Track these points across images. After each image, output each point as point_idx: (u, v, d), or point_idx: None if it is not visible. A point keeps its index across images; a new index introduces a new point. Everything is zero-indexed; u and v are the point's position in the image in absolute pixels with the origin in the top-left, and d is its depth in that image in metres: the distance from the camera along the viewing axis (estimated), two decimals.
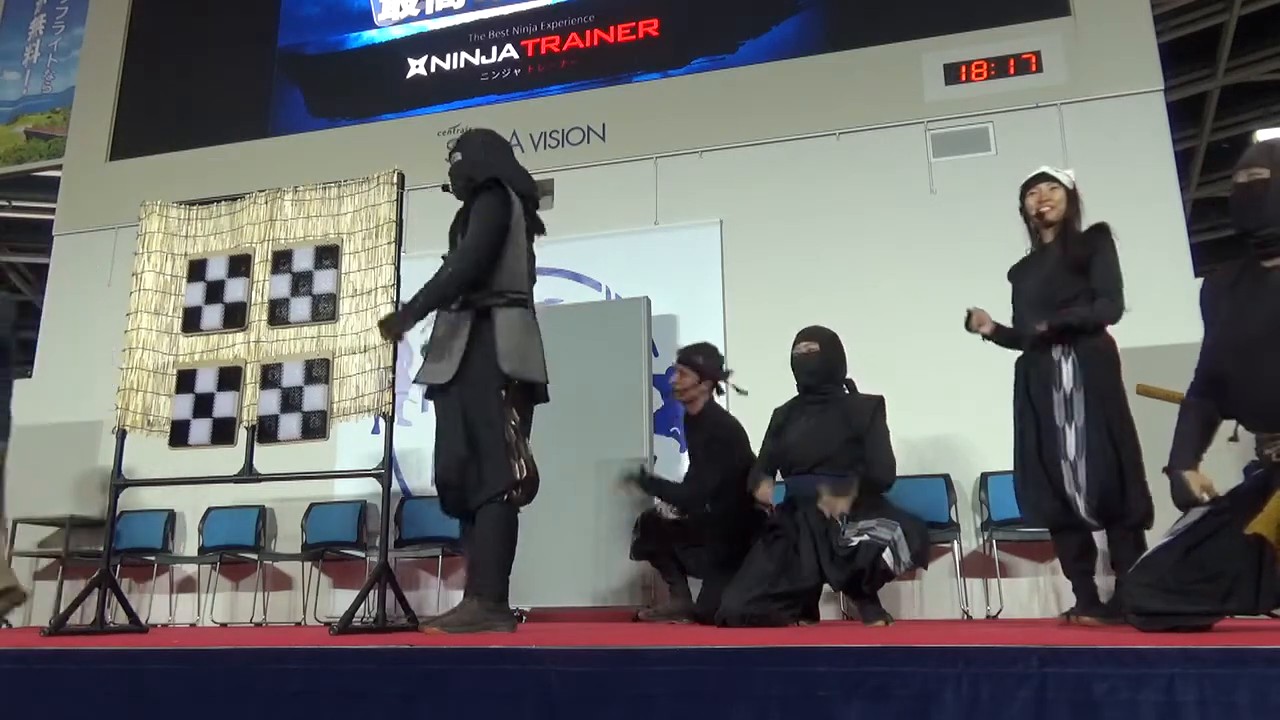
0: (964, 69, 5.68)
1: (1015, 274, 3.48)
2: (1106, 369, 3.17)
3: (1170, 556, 2.14)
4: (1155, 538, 2.32)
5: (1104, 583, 3.31)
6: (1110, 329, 3.29)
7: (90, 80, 7.65)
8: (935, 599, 4.93)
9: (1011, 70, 5.60)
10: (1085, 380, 3.14)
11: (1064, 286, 3.23)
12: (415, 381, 3.11)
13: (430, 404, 3.16)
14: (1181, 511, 2.32)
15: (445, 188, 3.24)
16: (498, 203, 3.04)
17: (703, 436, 4.24)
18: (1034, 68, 5.56)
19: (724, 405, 4.43)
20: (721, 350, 4.81)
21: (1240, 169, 2.32)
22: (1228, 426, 2.41)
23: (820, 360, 3.68)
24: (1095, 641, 1.61)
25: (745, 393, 4.23)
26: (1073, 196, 3.37)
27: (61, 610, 3.48)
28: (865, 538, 3.32)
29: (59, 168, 7.64)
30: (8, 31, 8.25)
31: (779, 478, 3.82)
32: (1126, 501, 3.05)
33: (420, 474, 5.63)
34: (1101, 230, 3.27)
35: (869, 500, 3.57)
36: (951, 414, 4.94)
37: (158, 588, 6.17)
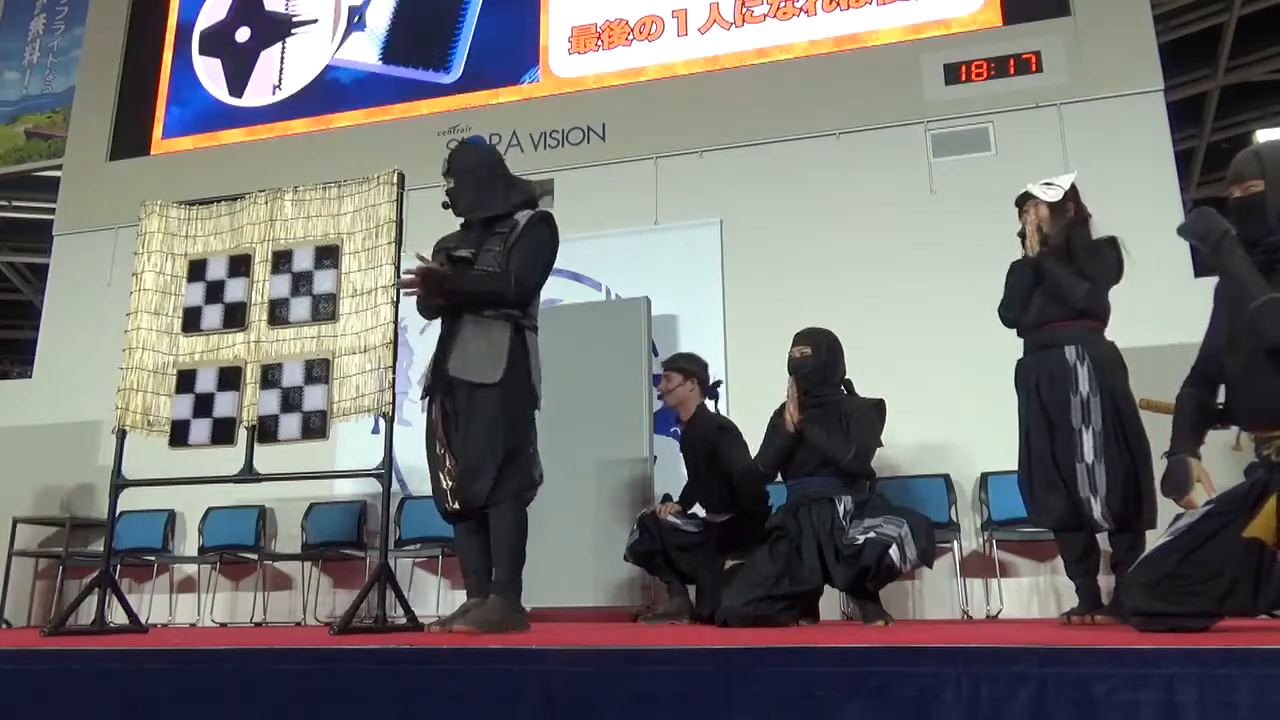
0: (964, 69, 5.68)
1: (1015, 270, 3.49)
2: (1118, 374, 3.19)
3: (1170, 557, 2.14)
4: (1155, 538, 2.32)
5: (1104, 583, 3.31)
6: (1110, 331, 3.29)
7: (90, 80, 7.65)
8: (935, 599, 4.93)
9: (1011, 70, 5.60)
10: (1100, 384, 3.15)
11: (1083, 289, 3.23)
12: (453, 376, 3.05)
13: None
14: (1171, 498, 2.32)
15: (445, 205, 3.22)
16: (552, 240, 3.14)
17: (701, 437, 4.26)
18: (1034, 68, 5.56)
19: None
20: (721, 350, 4.83)
21: (1232, 183, 2.34)
22: (1229, 434, 2.41)
23: (813, 364, 3.67)
24: (1095, 641, 1.61)
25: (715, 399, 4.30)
26: (1056, 209, 3.35)
27: (61, 610, 3.47)
28: (871, 535, 3.32)
29: (59, 168, 7.64)
30: (8, 31, 8.25)
31: (779, 479, 3.82)
32: (1142, 505, 3.07)
33: (421, 474, 5.63)
34: (1105, 244, 3.28)
35: (875, 500, 3.57)
36: (952, 414, 4.94)
37: (158, 588, 6.17)
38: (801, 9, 6.13)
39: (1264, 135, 8.67)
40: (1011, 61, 5.62)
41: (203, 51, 7.43)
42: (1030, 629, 3.16)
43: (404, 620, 3.42)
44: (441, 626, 2.91)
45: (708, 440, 4.24)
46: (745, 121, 5.98)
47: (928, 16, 5.88)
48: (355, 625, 3.04)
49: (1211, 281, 2.47)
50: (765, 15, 6.19)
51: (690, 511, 4.38)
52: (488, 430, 2.94)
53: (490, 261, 3.07)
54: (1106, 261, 3.25)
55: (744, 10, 6.23)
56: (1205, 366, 2.45)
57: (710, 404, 4.41)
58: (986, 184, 5.25)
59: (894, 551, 3.27)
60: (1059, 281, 3.24)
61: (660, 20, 6.38)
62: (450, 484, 3.02)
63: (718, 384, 4.38)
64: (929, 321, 5.18)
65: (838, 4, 6.08)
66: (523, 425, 3.02)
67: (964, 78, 5.67)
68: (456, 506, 3.01)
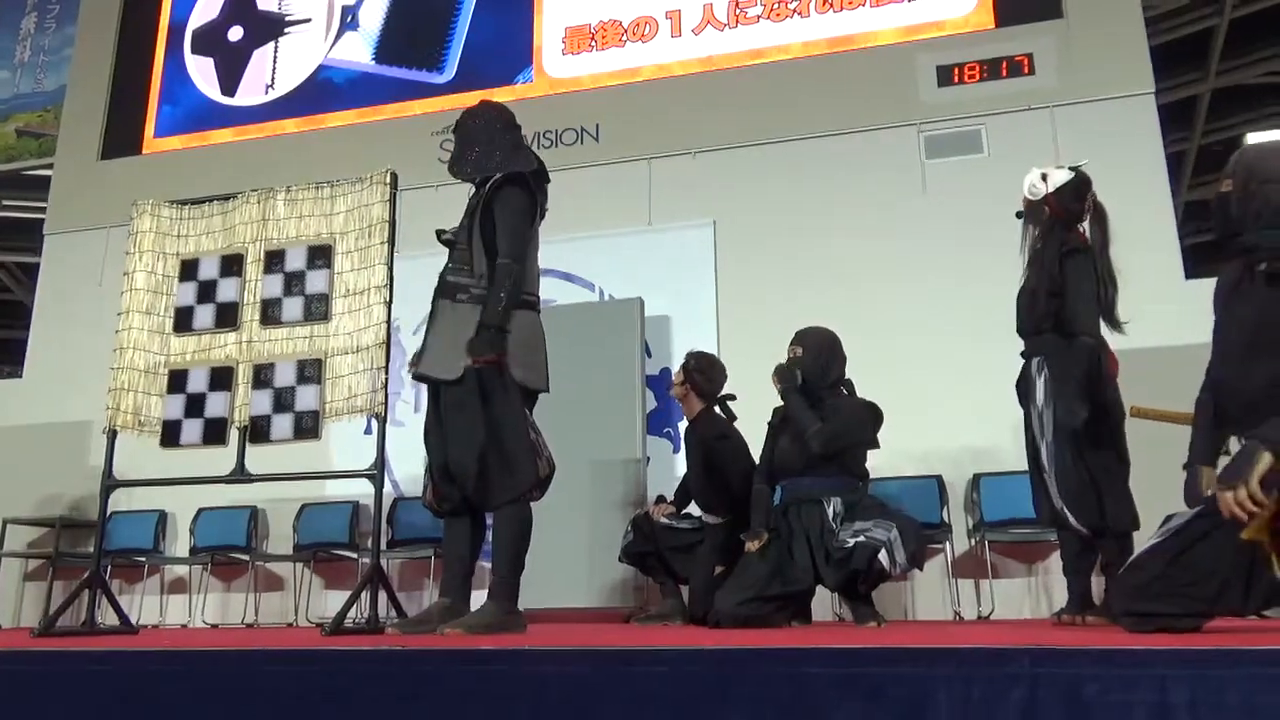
0: (957, 71, 5.70)
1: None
2: (1080, 385, 3.13)
3: (1160, 558, 2.14)
4: (1144, 539, 2.32)
5: (1095, 584, 3.32)
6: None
7: (81, 79, 7.63)
8: (927, 600, 4.94)
9: (1004, 72, 5.62)
10: (1055, 396, 3.15)
11: (1044, 301, 3.23)
12: (417, 372, 3.02)
13: (422, 399, 3.14)
14: (1190, 508, 2.33)
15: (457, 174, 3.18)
16: (526, 199, 3.01)
17: (700, 440, 4.26)
18: (1026, 70, 5.58)
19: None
20: (715, 351, 4.82)
21: (1220, 180, 2.37)
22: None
23: (802, 365, 3.67)
24: (1087, 642, 1.62)
25: (735, 417, 4.28)
26: (1032, 208, 3.35)
27: (51, 611, 3.46)
28: (861, 539, 3.32)
29: (50, 166, 7.61)
30: None
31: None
32: (1105, 513, 3.07)
33: (414, 475, 5.62)
34: (1071, 256, 3.22)
35: (865, 501, 3.57)
36: (944, 415, 4.95)
37: (148, 589, 6.14)
38: (795, 10, 6.14)
39: (1254, 138, 8.71)
40: (1004, 64, 5.63)
41: (195, 50, 7.41)
42: (1022, 630, 3.17)
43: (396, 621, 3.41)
44: (397, 629, 2.89)
45: (706, 445, 4.23)
46: (739, 122, 5.99)
47: (921, 18, 5.89)
48: (347, 626, 3.03)
49: (1204, 284, 2.48)
50: (759, 16, 6.20)
51: (684, 511, 4.38)
52: (465, 430, 2.86)
53: (462, 235, 3.01)
54: (1080, 295, 3.16)
55: (738, 11, 6.24)
56: (1214, 368, 2.45)
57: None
58: (979, 186, 5.27)
59: (883, 556, 3.27)
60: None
61: (654, 21, 6.39)
62: (431, 483, 3.00)
63: (726, 398, 4.33)
64: (921, 323, 5.20)
65: (831, 5, 6.09)
66: (508, 418, 2.87)
67: (956, 80, 5.69)
68: (438, 504, 2.99)
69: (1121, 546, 3.09)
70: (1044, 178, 3.34)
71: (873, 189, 5.63)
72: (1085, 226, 3.34)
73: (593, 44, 6.49)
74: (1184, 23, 7.74)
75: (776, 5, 6.18)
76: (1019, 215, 3.43)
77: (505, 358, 2.88)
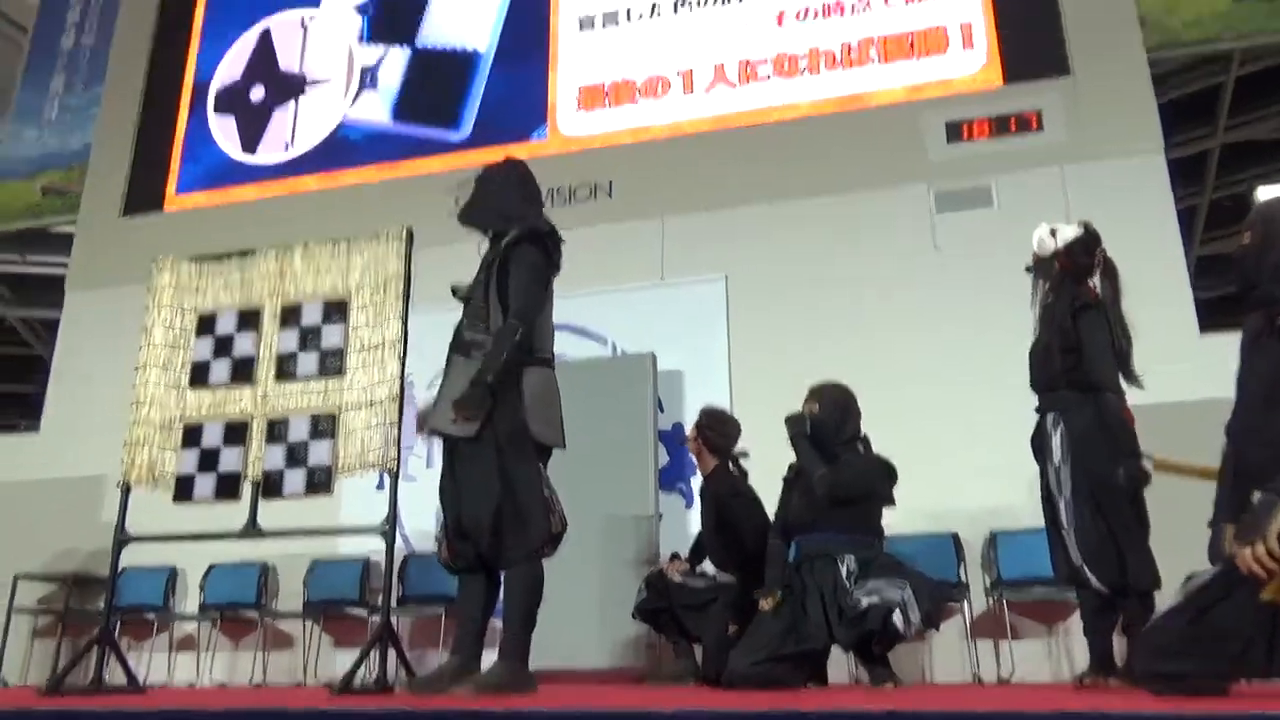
0: (966, 127, 5.75)
1: None
2: (1095, 442, 3.12)
3: (1181, 619, 2.11)
4: (1166, 599, 2.28)
5: (1119, 644, 3.25)
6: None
7: (106, 137, 7.79)
8: (945, 661, 4.83)
9: (1013, 128, 5.67)
10: (1073, 453, 3.12)
11: (1057, 357, 3.22)
12: (432, 427, 3.04)
13: (435, 454, 3.14)
14: (1214, 566, 2.29)
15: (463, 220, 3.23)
16: (542, 257, 3.07)
17: (713, 496, 4.24)
18: (1035, 126, 5.63)
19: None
20: (727, 407, 4.82)
21: (1240, 233, 2.38)
22: None
23: (815, 420, 3.65)
24: (1109, 706, 1.58)
25: (746, 473, 4.27)
26: (1041, 264, 3.35)
27: (59, 669, 3.43)
28: (874, 599, 3.26)
29: (73, 223, 7.74)
30: (28, 90, 8.43)
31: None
32: (1127, 571, 3.02)
33: (426, 531, 5.59)
34: (1083, 311, 3.22)
35: (881, 559, 3.52)
36: (959, 471, 4.90)
37: (157, 645, 6.09)
38: (805, 69, 6.24)
39: (1264, 193, 8.73)
40: (1013, 120, 5.69)
41: (217, 109, 7.58)
42: (1043, 694, 3.10)
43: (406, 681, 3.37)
44: (406, 689, 2.85)
45: (719, 501, 4.21)
46: (751, 178, 6.05)
47: (930, 76, 5.97)
48: (356, 686, 3.00)
49: (1218, 338, 2.47)
50: (769, 75, 6.29)
51: (699, 569, 4.34)
52: (480, 485, 2.87)
53: (478, 292, 3.05)
54: (1097, 350, 3.16)
55: (748, 70, 6.34)
56: None
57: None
58: (990, 240, 5.28)
59: (897, 616, 3.22)
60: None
61: (666, 80, 6.50)
62: (446, 540, 2.99)
63: (739, 455, 4.33)
64: (934, 377, 5.17)
65: (840, 64, 6.18)
66: (522, 475, 2.89)
67: (966, 136, 5.74)
68: (453, 561, 2.97)
69: (1144, 606, 3.03)
70: (1053, 233, 3.35)
71: (884, 244, 5.65)
72: (1095, 281, 3.34)
73: (606, 101, 6.60)
74: (1192, 79, 7.82)
75: (786, 64, 6.28)
76: (1029, 270, 3.44)
77: (524, 414, 2.90)
